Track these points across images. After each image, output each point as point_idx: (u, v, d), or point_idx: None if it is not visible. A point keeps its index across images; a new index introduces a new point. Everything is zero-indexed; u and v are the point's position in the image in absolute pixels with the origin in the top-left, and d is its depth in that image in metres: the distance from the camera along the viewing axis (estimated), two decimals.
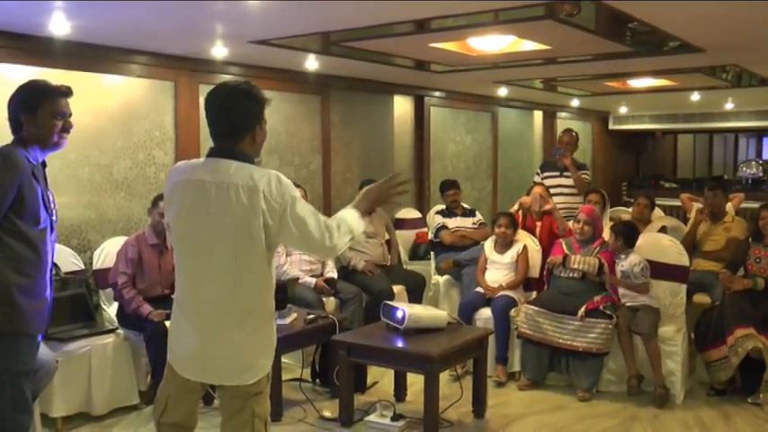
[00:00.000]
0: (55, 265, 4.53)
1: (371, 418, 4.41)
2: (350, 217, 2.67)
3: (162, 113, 5.64)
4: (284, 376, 4.69)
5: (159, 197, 4.90)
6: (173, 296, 4.94)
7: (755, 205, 5.72)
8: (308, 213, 2.59)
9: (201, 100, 5.77)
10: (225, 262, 2.56)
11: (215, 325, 2.60)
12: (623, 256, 5.15)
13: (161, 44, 5.19)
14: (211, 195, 2.55)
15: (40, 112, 2.98)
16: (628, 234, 5.21)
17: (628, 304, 5.05)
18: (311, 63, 5.91)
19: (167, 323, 4.67)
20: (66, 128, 3.05)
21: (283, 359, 4.79)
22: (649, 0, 3.86)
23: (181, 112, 5.71)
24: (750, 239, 5.28)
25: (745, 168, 12.37)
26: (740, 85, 7.84)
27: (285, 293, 4.77)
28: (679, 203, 7.45)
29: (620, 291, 5.14)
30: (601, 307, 4.98)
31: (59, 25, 4.31)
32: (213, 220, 2.55)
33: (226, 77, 6.02)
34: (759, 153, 15.40)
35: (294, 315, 4.75)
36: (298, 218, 2.56)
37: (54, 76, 3.66)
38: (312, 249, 2.67)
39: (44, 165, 3.08)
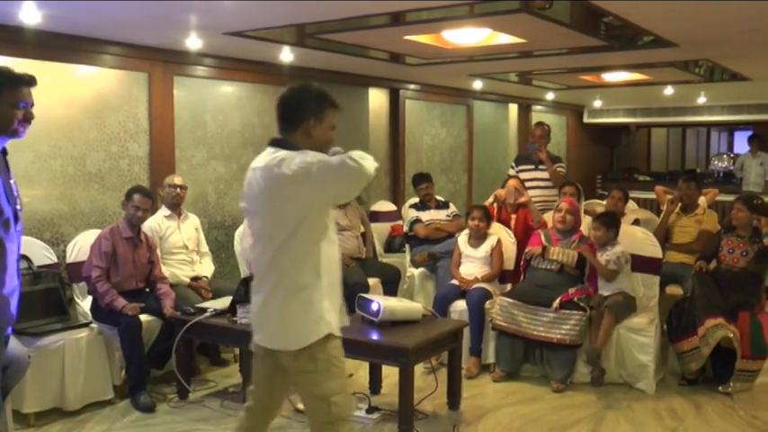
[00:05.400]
0: (27, 258, 4.51)
1: None
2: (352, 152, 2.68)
3: (136, 105, 5.58)
4: None
5: (133, 190, 4.87)
6: (147, 289, 4.98)
7: (726, 198, 5.81)
8: (325, 163, 2.61)
9: (176, 92, 5.80)
10: (262, 239, 2.76)
11: (258, 294, 2.83)
12: (609, 247, 5.21)
13: (134, 35, 5.14)
14: (256, 179, 2.71)
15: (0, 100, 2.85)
16: (616, 225, 5.29)
17: (605, 294, 5.12)
18: (286, 55, 5.88)
19: (142, 317, 4.66)
20: (28, 118, 2.92)
21: None
22: None
23: (155, 103, 5.66)
24: (722, 231, 5.39)
25: (716, 162, 12.54)
26: (712, 80, 7.93)
27: None
28: (653, 196, 7.53)
29: (600, 283, 5.20)
30: (575, 299, 5.02)
31: (30, 14, 4.24)
32: (255, 203, 2.75)
33: (200, 69, 5.99)
34: (730, 147, 15.60)
35: None
36: (319, 173, 2.60)
37: (25, 66, 3.59)
38: (343, 190, 2.76)
39: (5, 152, 2.95)
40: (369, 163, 2.62)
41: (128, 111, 5.53)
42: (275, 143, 2.75)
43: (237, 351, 5.29)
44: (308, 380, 2.75)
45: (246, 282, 4.75)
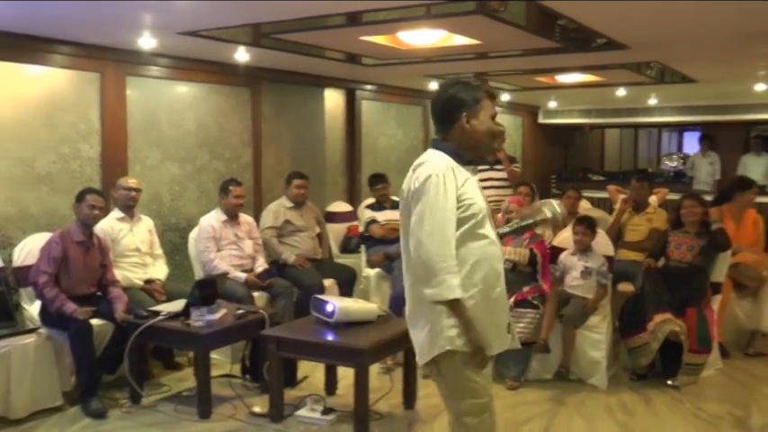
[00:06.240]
0: None
1: (302, 412, 4.41)
2: (449, 277, 2.48)
3: (87, 105, 5.48)
4: (213, 372, 4.65)
5: (85, 191, 4.79)
6: (99, 294, 4.89)
7: (676, 197, 5.96)
8: (422, 216, 2.53)
9: (129, 92, 5.71)
10: (404, 244, 2.71)
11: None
12: (590, 253, 5.28)
13: (85, 34, 5.05)
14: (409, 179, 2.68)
15: None
16: (594, 229, 5.37)
17: (572, 291, 5.20)
18: (241, 55, 5.83)
19: (93, 321, 4.58)
20: None
21: (213, 355, 4.76)
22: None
23: (107, 104, 5.57)
24: (670, 227, 5.53)
25: (667, 162, 12.79)
26: (663, 82, 8.08)
27: (214, 288, 4.75)
28: (606, 195, 7.65)
29: (572, 282, 5.27)
30: (529, 297, 5.08)
31: None
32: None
33: (154, 69, 5.91)
34: (680, 147, 15.90)
35: (223, 310, 4.70)
36: (417, 211, 2.55)
37: None
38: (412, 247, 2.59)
39: None
40: (430, 286, 2.49)
41: (79, 111, 5.43)
42: (432, 143, 2.71)
43: (192, 354, 5.23)
44: (442, 394, 2.71)
45: (201, 284, 4.72)
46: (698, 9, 4.20)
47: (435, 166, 2.57)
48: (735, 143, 11.58)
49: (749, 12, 4.25)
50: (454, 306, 2.51)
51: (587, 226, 5.35)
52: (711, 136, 11.27)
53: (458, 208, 2.55)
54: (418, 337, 2.68)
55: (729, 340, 5.79)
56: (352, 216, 7.56)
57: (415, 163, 2.66)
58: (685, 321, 4.97)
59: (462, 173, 2.61)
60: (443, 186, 2.52)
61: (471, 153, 2.70)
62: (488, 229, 2.65)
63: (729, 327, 5.80)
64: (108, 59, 5.52)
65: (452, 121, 2.65)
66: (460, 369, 2.59)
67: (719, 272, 5.41)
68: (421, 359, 2.68)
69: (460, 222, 2.56)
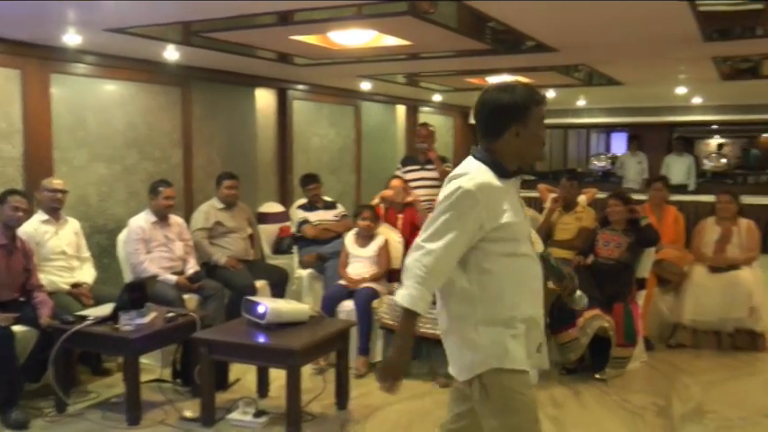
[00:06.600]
0: None
1: (234, 415, 4.36)
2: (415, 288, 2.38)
3: (8, 103, 5.30)
4: (143, 377, 4.55)
5: (7, 192, 4.64)
6: (22, 299, 4.73)
7: (604, 196, 6.14)
8: (429, 223, 2.47)
9: (54, 90, 5.56)
10: None
11: None
12: None
13: (4, 29, 4.88)
14: None
15: None
16: None
17: None
18: (171, 53, 5.74)
19: (16, 328, 4.43)
20: None
21: (142, 360, 4.66)
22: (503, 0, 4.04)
23: (30, 102, 5.39)
24: (599, 226, 5.69)
25: (595, 162, 13.13)
26: (591, 84, 8.29)
27: (144, 291, 4.66)
28: (536, 195, 7.80)
29: None
30: None
31: None
32: None
33: (81, 66, 5.75)
34: (608, 147, 16.36)
35: (153, 314, 4.61)
36: (431, 216, 2.48)
37: None
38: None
39: None
40: (401, 288, 2.40)
41: None
42: (472, 152, 2.53)
43: (121, 360, 5.11)
44: (484, 413, 2.50)
45: (130, 287, 4.62)
46: (616, 13, 4.33)
47: (470, 181, 2.40)
48: (659, 144, 11.99)
49: (663, 16, 4.40)
50: (405, 318, 2.43)
51: None
52: (640, 137, 11.66)
53: (496, 228, 2.41)
54: (454, 353, 2.57)
55: (653, 333, 6.01)
56: (284, 216, 7.50)
57: (452, 173, 2.52)
58: (612, 316, 5.13)
59: (502, 188, 2.45)
60: (465, 206, 2.39)
61: (518, 162, 2.52)
62: (529, 247, 2.53)
63: (653, 320, 6.02)
64: (30, 56, 5.35)
65: (500, 133, 2.46)
66: (509, 385, 2.45)
67: (644, 268, 5.59)
68: (460, 375, 2.54)
69: (500, 241, 2.43)
